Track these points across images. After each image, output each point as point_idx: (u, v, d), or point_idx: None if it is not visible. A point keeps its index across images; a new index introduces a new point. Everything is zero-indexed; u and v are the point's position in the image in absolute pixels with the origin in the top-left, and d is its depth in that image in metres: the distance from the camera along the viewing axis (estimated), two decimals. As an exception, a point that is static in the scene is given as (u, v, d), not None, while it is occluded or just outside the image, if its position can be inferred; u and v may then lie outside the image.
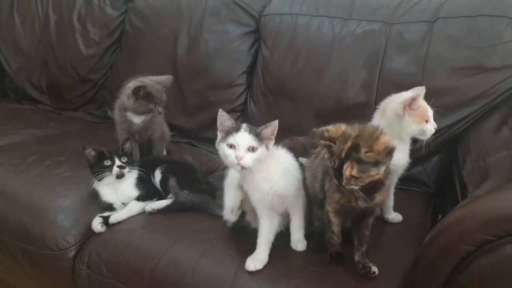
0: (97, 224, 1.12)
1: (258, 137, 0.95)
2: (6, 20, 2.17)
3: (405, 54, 1.46)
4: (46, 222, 1.15)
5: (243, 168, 0.94)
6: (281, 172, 1.00)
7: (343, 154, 0.83)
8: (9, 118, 1.89)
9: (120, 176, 1.18)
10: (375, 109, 1.19)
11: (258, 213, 0.99)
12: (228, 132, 0.96)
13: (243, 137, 0.95)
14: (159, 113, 1.36)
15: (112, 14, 1.99)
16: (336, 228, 0.96)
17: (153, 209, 1.17)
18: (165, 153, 1.56)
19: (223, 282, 0.94)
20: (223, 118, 0.97)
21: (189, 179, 1.26)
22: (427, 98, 1.36)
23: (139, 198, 1.20)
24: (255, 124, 1.00)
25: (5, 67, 2.18)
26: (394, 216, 1.20)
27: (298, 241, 1.02)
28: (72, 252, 1.11)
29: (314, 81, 1.58)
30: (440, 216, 1.27)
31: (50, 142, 1.60)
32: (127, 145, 1.26)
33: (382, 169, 0.84)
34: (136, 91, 1.32)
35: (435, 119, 1.13)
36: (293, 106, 1.62)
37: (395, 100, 1.10)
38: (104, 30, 2.00)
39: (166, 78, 1.44)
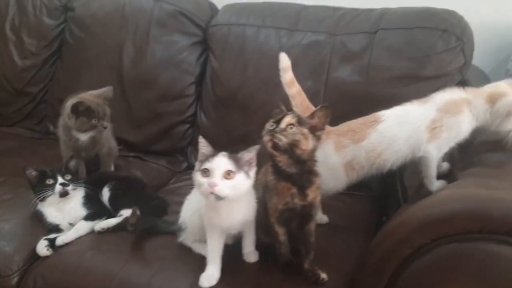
0: (42, 248, 1.05)
1: (237, 163, 0.88)
2: None
3: (348, 63, 1.52)
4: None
5: (218, 198, 0.86)
6: (249, 203, 0.97)
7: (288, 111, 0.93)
8: None
9: (63, 194, 1.13)
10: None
11: (208, 233, 0.97)
12: (205, 159, 0.88)
13: (219, 161, 0.86)
14: (104, 128, 1.32)
15: (50, 24, 1.90)
16: (282, 238, 0.98)
17: (103, 228, 1.13)
18: (113, 168, 1.51)
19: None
20: (202, 145, 0.90)
21: (139, 196, 1.22)
22: (369, 107, 1.45)
23: (87, 218, 1.15)
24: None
25: None
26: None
27: (250, 253, 1.03)
28: (15, 279, 1.04)
29: (264, 91, 1.60)
30: (384, 218, 1.33)
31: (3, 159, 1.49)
32: (72, 163, 1.21)
33: (311, 141, 0.89)
34: (75, 108, 1.27)
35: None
36: (244, 116, 1.63)
37: (509, 97, 1.04)
38: (41, 40, 1.90)
39: (106, 90, 1.40)
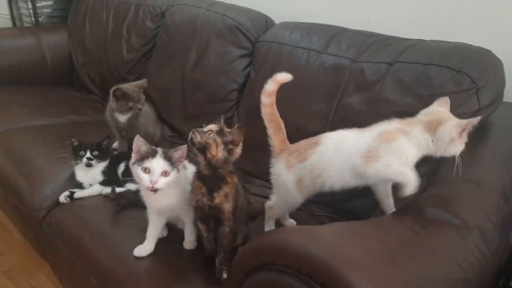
0: (62, 196, 1.47)
1: (170, 161, 1.09)
2: (80, 24, 2.69)
3: (361, 92, 1.52)
4: (34, 189, 1.54)
5: (156, 190, 1.08)
6: (177, 191, 1.17)
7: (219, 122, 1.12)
8: (61, 103, 2.38)
9: (88, 165, 1.52)
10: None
11: (148, 211, 1.22)
12: (144, 156, 1.09)
13: (158, 163, 1.08)
14: (139, 109, 1.64)
15: (150, 27, 2.35)
16: (205, 234, 1.15)
17: (107, 193, 1.48)
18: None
19: (122, 250, 1.23)
20: (140, 143, 1.10)
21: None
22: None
23: (102, 183, 1.52)
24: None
25: (74, 61, 2.71)
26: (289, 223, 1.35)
27: (187, 242, 1.24)
28: (43, 213, 1.48)
29: (284, 106, 1.70)
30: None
31: (76, 127, 2.02)
32: (105, 141, 1.58)
33: (220, 150, 1.05)
34: (114, 93, 1.63)
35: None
36: (264, 126, 1.79)
37: (447, 123, 1.06)
38: (142, 39, 2.37)
39: (142, 81, 1.74)
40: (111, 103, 1.67)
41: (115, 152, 1.73)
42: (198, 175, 1.10)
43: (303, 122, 1.65)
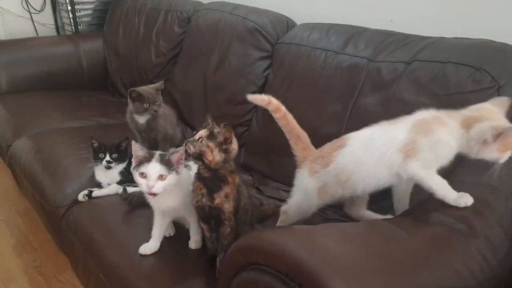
0: (81, 195, 1.54)
1: (168, 164, 1.09)
2: (114, 30, 2.81)
3: (377, 92, 1.48)
4: (56, 187, 1.62)
5: (154, 194, 1.09)
6: (179, 193, 1.17)
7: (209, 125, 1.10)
8: (94, 107, 2.49)
9: (107, 167, 1.57)
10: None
11: (154, 210, 1.24)
12: (141, 162, 1.09)
13: (154, 167, 1.07)
14: (155, 111, 1.68)
15: (177, 32, 2.41)
16: (207, 234, 1.15)
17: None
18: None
19: (129, 248, 1.26)
20: (136, 149, 1.10)
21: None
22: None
23: (119, 183, 1.57)
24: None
25: (108, 67, 2.84)
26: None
27: (192, 241, 1.25)
28: (63, 210, 1.55)
29: (301, 108, 1.70)
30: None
31: (102, 130, 2.11)
32: (123, 143, 1.64)
33: (216, 153, 1.04)
34: (130, 95, 1.67)
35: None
36: (281, 129, 1.77)
37: (485, 123, 0.96)
38: (170, 44, 2.43)
39: (159, 84, 1.77)
40: (129, 105, 1.73)
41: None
42: (199, 176, 1.11)
43: (318, 124, 1.62)
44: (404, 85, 1.39)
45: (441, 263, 0.77)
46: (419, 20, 1.64)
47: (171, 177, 1.11)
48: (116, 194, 1.55)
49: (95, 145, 1.60)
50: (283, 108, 1.32)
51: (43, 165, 1.76)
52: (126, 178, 1.59)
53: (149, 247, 1.22)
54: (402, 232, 0.83)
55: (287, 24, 1.98)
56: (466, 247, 0.82)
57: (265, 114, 1.89)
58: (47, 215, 1.64)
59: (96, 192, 1.55)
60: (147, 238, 1.25)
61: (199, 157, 1.07)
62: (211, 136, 1.06)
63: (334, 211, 1.54)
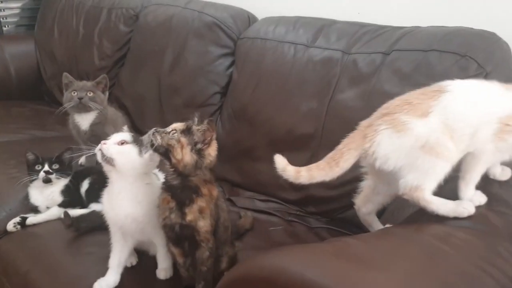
0: (11, 224, 1.24)
1: (137, 141, 0.95)
2: (48, 32, 2.49)
3: (355, 86, 1.36)
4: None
5: (104, 158, 0.92)
6: (144, 199, 0.97)
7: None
8: (27, 118, 2.16)
9: (46, 181, 1.30)
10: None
11: (111, 233, 1.01)
12: None
13: (119, 134, 0.97)
14: (79, 98, 1.45)
15: (124, 31, 2.15)
16: (180, 259, 0.94)
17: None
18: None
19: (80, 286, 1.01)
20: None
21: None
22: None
23: (61, 205, 1.30)
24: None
25: (42, 73, 2.50)
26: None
27: (162, 270, 1.03)
28: (-14, 246, 1.25)
29: (271, 107, 1.55)
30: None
31: (37, 144, 1.80)
32: (66, 154, 1.37)
33: (187, 152, 0.86)
34: (63, 79, 1.51)
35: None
36: (251, 131, 1.60)
37: None
38: (115, 45, 2.17)
39: (99, 77, 1.57)
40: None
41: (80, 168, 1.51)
42: (166, 185, 0.90)
43: (293, 124, 1.48)
44: (385, 77, 1.29)
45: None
46: (388, 12, 1.54)
47: (130, 148, 0.95)
48: (58, 219, 1.27)
49: (30, 157, 1.32)
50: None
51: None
52: (70, 198, 1.32)
53: (107, 282, 0.98)
54: (445, 248, 0.67)
55: (249, 18, 1.83)
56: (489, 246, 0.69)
57: (231, 116, 1.71)
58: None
59: (32, 219, 1.27)
60: (103, 271, 1.01)
61: (165, 153, 0.87)
62: (187, 131, 0.88)
63: (316, 218, 1.40)
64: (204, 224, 0.89)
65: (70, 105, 1.47)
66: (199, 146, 0.88)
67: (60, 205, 1.30)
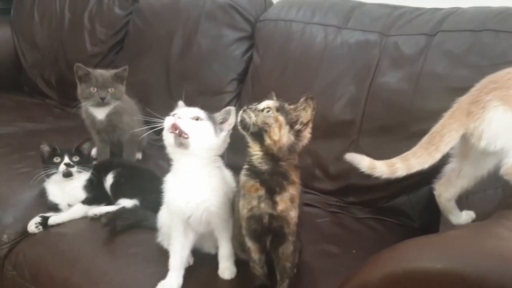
0: (32, 224, 1.08)
1: (211, 118, 0.87)
2: (26, 16, 2.25)
3: (399, 69, 1.30)
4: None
5: (178, 139, 0.81)
6: (218, 185, 0.88)
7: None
8: (11, 110, 1.95)
9: (66, 174, 1.14)
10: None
11: (172, 227, 0.89)
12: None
13: (189, 109, 0.87)
14: (102, 99, 1.31)
15: (119, 14, 1.99)
16: (255, 256, 0.84)
17: (95, 214, 1.11)
18: (139, 156, 1.51)
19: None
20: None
21: (141, 187, 1.18)
22: (415, 121, 1.22)
23: (85, 201, 1.15)
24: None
25: (22, 61, 2.26)
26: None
27: (225, 269, 0.92)
28: (4, 251, 1.08)
29: (301, 93, 1.45)
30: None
31: (33, 136, 1.60)
32: (85, 145, 1.22)
33: (284, 133, 0.77)
34: (76, 72, 1.33)
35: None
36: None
37: None
38: (110, 29, 2.00)
39: (120, 70, 1.43)
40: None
41: (94, 162, 1.35)
42: (251, 172, 0.79)
43: (327, 110, 1.39)
44: (434, 58, 1.24)
45: None
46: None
47: (207, 126, 0.85)
48: (84, 218, 1.12)
49: (46, 149, 1.15)
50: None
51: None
52: (94, 194, 1.17)
53: (170, 285, 0.85)
54: None
55: (265, 1, 1.72)
56: None
57: (251, 102, 1.60)
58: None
59: (54, 218, 1.11)
60: (158, 274, 0.89)
61: (258, 133, 0.76)
62: (281, 109, 0.78)
63: (359, 209, 1.33)
64: (294, 214, 0.80)
65: (90, 104, 1.33)
66: (297, 126, 0.78)
67: (84, 202, 1.15)
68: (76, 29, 2.07)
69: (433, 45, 1.26)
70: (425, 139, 0.83)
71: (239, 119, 0.79)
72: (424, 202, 1.27)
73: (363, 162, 0.83)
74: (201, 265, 0.95)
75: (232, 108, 0.88)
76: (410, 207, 1.28)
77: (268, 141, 0.76)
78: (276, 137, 0.76)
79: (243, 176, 0.81)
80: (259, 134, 0.77)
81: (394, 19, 1.38)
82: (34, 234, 1.08)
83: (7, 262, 1.07)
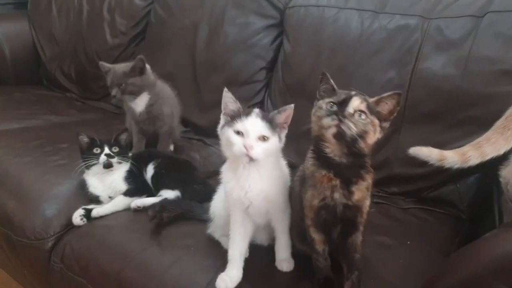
0: (77, 217, 1.06)
1: (271, 124, 0.81)
2: (44, 9, 2.22)
3: (443, 53, 1.26)
4: (28, 210, 1.10)
5: (251, 160, 0.79)
6: (276, 175, 0.85)
7: (352, 92, 0.75)
8: (33, 103, 1.92)
9: (107, 165, 1.11)
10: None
11: (231, 218, 0.85)
12: (235, 117, 0.81)
13: (254, 124, 0.80)
14: (113, 96, 1.29)
15: (139, 5, 1.96)
16: (320, 247, 0.81)
17: (139, 206, 1.09)
18: (172, 148, 1.48)
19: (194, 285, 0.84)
20: (228, 100, 0.82)
21: (183, 178, 1.15)
22: (464, 107, 1.18)
23: (126, 193, 1.12)
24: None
25: (41, 54, 2.23)
26: None
27: (283, 261, 0.88)
28: (50, 244, 1.05)
29: (337, 80, 1.40)
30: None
31: (61, 129, 1.58)
32: (123, 136, 1.19)
33: (378, 134, 0.74)
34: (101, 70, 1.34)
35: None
36: (311, 107, 1.47)
37: None
38: (130, 20, 1.97)
39: (137, 59, 1.37)
40: None
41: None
42: (321, 162, 0.75)
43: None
44: (484, 41, 1.20)
45: None
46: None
47: (274, 142, 0.81)
48: (127, 210, 1.09)
49: (85, 140, 1.12)
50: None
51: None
52: (135, 185, 1.14)
53: (231, 278, 0.82)
54: None
55: (292, -14, 1.67)
56: None
57: (284, 92, 1.56)
58: (23, 254, 1.09)
59: (98, 210, 1.08)
60: (214, 266, 0.85)
61: (354, 140, 0.72)
62: (369, 109, 0.74)
63: (402, 199, 1.29)
64: (368, 204, 0.76)
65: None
66: (384, 124, 0.75)
67: (125, 194, 1.12)
68: (96, 21, 2.04)
69: (482, 27, 1.21)
70: (499, 123, 0.79)
71: (332, 132, 0.73)
72: (472, 191, 1.23)
73: (432, 154, 0.79)
74: (256, 257, 0.91)
75: (291, 106, 0.83)
76: (458, 197, 1.24)
77: (362, 145, 0.73)
78: (371, 141, 0.73)
79: (311, 166, 0.77)
80: (355, 141, 0.72)
81: (435, 1, 1.33)
82: (79, 227, 1.05)
83: (54, 255, 1.04)
